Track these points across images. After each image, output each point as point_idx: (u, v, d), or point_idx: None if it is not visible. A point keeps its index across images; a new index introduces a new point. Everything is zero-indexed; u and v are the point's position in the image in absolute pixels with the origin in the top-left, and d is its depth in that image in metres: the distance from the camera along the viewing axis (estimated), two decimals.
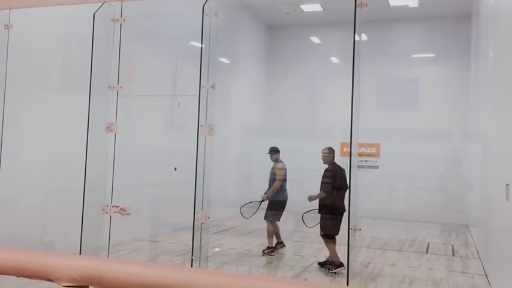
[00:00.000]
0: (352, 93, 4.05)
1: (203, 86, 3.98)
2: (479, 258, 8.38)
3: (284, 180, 8.47)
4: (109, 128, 4.15)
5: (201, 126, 4.04)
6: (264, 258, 7.91)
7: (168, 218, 9.00)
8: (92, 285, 2.09)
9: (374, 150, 13.97)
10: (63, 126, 6.49)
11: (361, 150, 13.97)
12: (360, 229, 4.06)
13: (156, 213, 8.85)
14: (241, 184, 13.75)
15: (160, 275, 2.03)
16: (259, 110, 15.25)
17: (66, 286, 2.07)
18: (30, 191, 6.42)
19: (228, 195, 12.01)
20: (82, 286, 2.08)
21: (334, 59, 15.29)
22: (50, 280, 2.11)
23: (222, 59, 13.24)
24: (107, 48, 4.23)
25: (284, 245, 8.41)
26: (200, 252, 4.18)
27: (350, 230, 4.01)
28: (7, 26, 4.99)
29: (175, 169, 9.06)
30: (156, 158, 8.48)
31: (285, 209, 8.58)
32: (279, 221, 8.28)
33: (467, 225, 12.15)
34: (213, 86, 3.98)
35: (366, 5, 3.90)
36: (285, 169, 8.53)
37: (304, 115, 14.76)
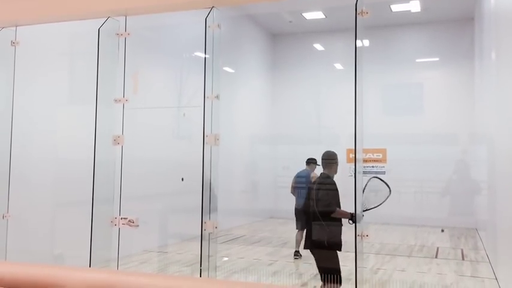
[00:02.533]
0: (355, 99, 4.07)
1: (207, 97, 4.03)
2: (489, 262, 8.32)
3: (296, 187, 8.47)
4: (116, 141, 4.20)
5: (207, 136, 4.07)
6: (272, 267, 7.90)
7: (176, 229, 9.02)
8: None
9: (380, 156, 13.94)
10: (71, 140, 6.55)
11: (367, 156, 13.94)
12: (367, 235, 4.06)
13: (165, 224, 8.87)
14: (249, 193, 13.77)
15: (170, 286, 2.06)
16: (264, 118, 15.28)
17: None
18: (39, 204, 6.47)
19: (236, 204, 12.03)
20: None
21: (338, 66, 15.32)
22: None
23: (226, 68, 13.32)
24: (112, 62, 4.29)
25: (298, 256, 8.37)
26: (209, 262, 4.20)
27: (357, 237, 4.02)
28: (14, 43, 5.08)
29: (182, 179, 9.09)
30: (163, 168, 8.52)
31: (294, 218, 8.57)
32: (297, 229, 8.29)
33: (476, 229, 12.08)
34: (217, 97, 4.02)
35: (367, 12, 3.93)
36: (295, 177, 8.55)
37: (309, 122, 14.77)
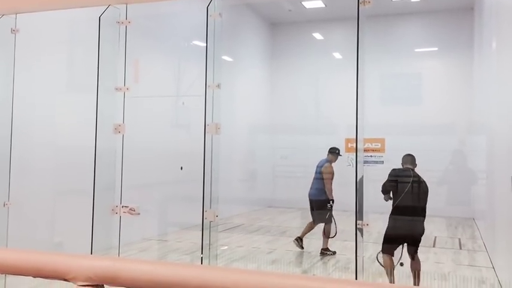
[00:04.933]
0: (357, 88, 4.07)
1: (209, 86, 4.02)
2: (487, 251, 8.39)
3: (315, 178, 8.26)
4: (117, 129, 4.19)
5: (208, 125, 4.07)
6: (272, 255, 7.94)
7: (176, 217, 9.05)
8: (106, 284, 2.14)
9: (379, 146, 13.93)
10: (72, 128, 6.55)
11: (366, 146, 13.94)
12: (367, 224, 4.09)
13: (164, 212, 8.90)
14: (247, 181, 13.81)
15: (174, 273, 2.07)
16: (263, 107, 15.26)
17: (82, 285, 2.11)
18: (39, 192, 6.48)
19: (235, 192, 12.06)
20: (97, 285, 2.12)
21: (337, 55, 15.29)
22: (65, 280, 2.15)
23: (225, 57, 13.27)
24: (112, 50, 4.27)
25: (299, 245, 8.20)
26: (209, 250, 4.23)
27: (357, 227, 4.04)
28: (14, 31, 5.05)
29: (182, 168, 9.10)
30: (163, 157, 8.53)
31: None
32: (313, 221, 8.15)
33: (473, 219, 12.14)
34: (218, 86, 4.01)
35: (369, 1, 3.92)
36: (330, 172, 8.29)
37: (308, 112, 14.76)
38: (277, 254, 8.07)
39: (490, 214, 8.05)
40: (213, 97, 4.04)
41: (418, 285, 5.79)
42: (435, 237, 10.23)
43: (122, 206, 4.18)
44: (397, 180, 6.28)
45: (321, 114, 14.78)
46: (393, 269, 5.98)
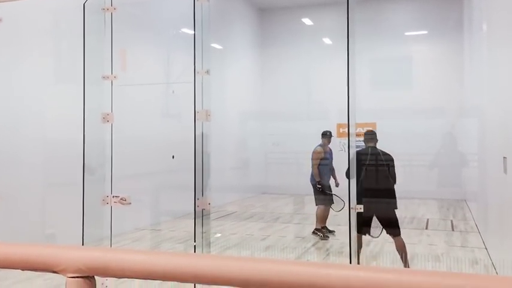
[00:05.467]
0: (348, 74, 4.03)
1: (198, 72, 3.96)
2: (479, 232, 8.45)
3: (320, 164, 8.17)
4: (105, 119, 4.13)
5: (198, 112, 4.02)
6: (265, 242, 7.95)
7: (169, 206, 9.02)
8: (97, 275, 2.10)
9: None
10: (60, 119, 6.46)
11: (357, 130, 13.96)
12: (360, 208, 4.08)
13: (157, 202, 8.86)
14: (240, 169, 13.80)
15: (166, 262, 2.03)
16: (254, 94, 15.20)
17: (72, 277, 2.06)
18: (30, 184, 6.41)
19: (228, 180, 12.04)
20: (88, 276, 2.08)
21: (327, 40, 15.21)
22: (55, 272, 2.11)
23: (214, 45, 13.15)
24: (98, 38, 4.19)
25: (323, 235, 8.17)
26: (202, 238, 4.20)
27: (351, 210, 4.04)
28: None
29: (173, 157, 9.04)
30: (154, 146, 8.46)
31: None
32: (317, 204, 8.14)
33: (465, 200, 12.23)
34: (207, 72, 3.95)
35: None
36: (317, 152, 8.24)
37: (299, 98, 14.72)
38: (270, 241, 8.07)
39: (482, 195, 8.09)
40: (202, 83, 3.98)
41: (406, 267, 5.77)
42: (427, 219, 10.30)
43: (113, 196, 4.13)
44: (360, 162, 6.15)
45: (312, 100, 14.75)
46: (359, 249, 5.88)
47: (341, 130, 11.52)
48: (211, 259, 2.25)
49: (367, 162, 6.13)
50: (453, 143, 13.03)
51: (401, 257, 5.92)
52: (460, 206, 11.88)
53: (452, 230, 9.26)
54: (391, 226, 6.07)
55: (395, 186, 6.27)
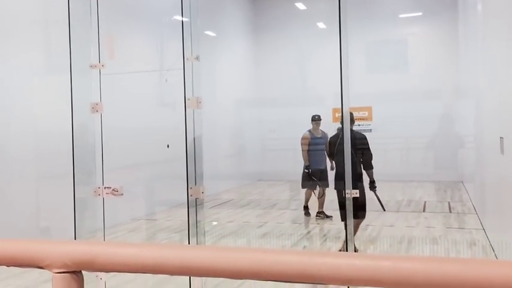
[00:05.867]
0: (341, 57, 3.95)
1: (187, 59, 3.87)
2: (476, 213, 8.44)
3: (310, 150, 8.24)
4: (94, 108, 4.04)
5: (188, 99, 3.94)
6: (261, 230, 7.92)
7: (164, 196, 8.96)
8: (84, 270, 2.02)
9: (366, 114, 13.92)
10: (50, 110, 6.35)
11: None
12: (356, 193, 4.03)
13: (152, 192, 8.80)
14: (237, 156, 13.74)
15: (157, 254, 1.96)
16: (249, 81, 15.09)
17: (58, 273, 1.99)
18: (21, 178, 6.34)
19: (224, 168, 11.99)
20: (75, 271, 2.00)
21: (321, 25, 15.06)
22: (40, 267, 2.03)
23: (208, 32, 13.01)
24: (85, 25, 4.08)
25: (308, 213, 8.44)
26: (197, 227, 4.15)
27: (346, 195, 3.98)
28: None
29: (168, 146, 8.97)
30: (147, 135, 8.37)
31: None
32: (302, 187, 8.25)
33: (462, 182, 12.23)
34: (197, 58, 3.86)
35: None
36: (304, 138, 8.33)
37: (294, 83, 14.63)
38: (267, 228, 8.04)
39: (479, 176, 8.06)
40: (192, 70, 3.90)
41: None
42: (425, 202, 10.28)
43: (105, 187, 4.06)
44: (334, 144, 6.08)
45: (308, 86, 14.66)
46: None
47: (336, 115, 11.44)
48: (203, 250, 2.19)
49: (337, 146, 6.03)
50: (450, 125, 13.00)
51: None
52: (458, 187, 11.88)
53: (450, 212, 9.25)
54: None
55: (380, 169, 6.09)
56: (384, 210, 5.64)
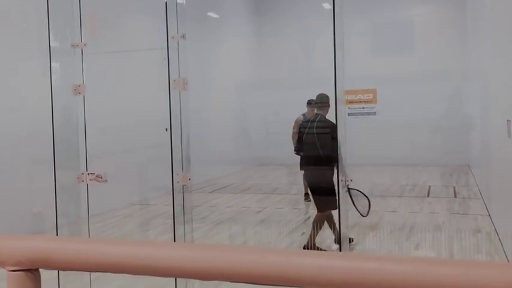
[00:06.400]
0: (334, 38, 3.72)
1: (172, 37, 3.65)
2: (482, 199, 8.22)
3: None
4: (76, 90, 3.84)
5: (174, 81, 3.74)
6: (259, 215, 7.76)
7: (160, 181, 8.77)
8: (41, 267, 1.83)
9: (371, 96, 13.66)
10: (33, 94, 6.18)
11: (357, 97, 13.68)
12: (351, 180, 3.83)
13: (147, 177, 8.60)
14: (239, 140, 13.54)
15: (119, 252, 1.75)
16: (252, 63, 14.86)
17: (13, 271, 1.80)
18: (11, 163, 6.20)
19: (226, 152, 11.82)
20: (30, 269, 1.81)
21: (326, 5, 14.70)
22: None
23: (211, 14, 12.75)
24: (65, 3, 3.87)
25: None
26: (184, 215, 3.98)
27: (340, 182, 3.79)
28: None
29: (166, 130, 8.76)
30: (144, 119, 8.17)
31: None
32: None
33: (469, 166, 11.98)
34: (183, 36, 3.64)
35: None
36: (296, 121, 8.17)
37: (298, 66, 14.38)
38: (266, 214, 7.87)
39: (485, 160, 7.84)
40: (178, 50, 3.68)
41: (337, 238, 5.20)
42: (429, 186, 10.07)
43: (88, 174, 3.89)
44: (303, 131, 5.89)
45: (311, 68, 14.38)
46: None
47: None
48: (170, 248, 2.00)
49: (306, 131, 5.82)
50: (458, 107, 12.71)
51: (312, 233, 5.47)
52: (464, 171, 11.64)
53: (455, 196, 9.04)
54: (317, 197, 5.67)
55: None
56: (364, 216, 5.11)
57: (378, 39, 13.95)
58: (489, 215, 7.04)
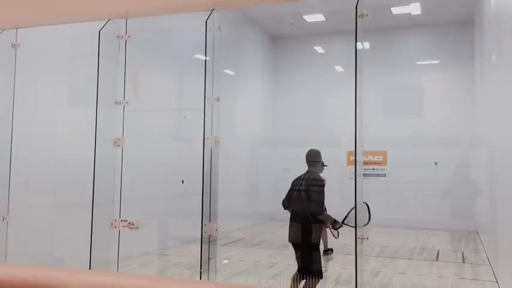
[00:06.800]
0: (356, 101, 4.07)
1: (208, 99, 4.02)
2: (490, 265, 8.31)
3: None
4: (116, 143, 4.19)
5: (207, 138, 4.07)
6: (273, 269, 7.89)
7: (177, 231, 9.00)
8: None
9: (381, 158, 13.94)
10: (71, 142, 6.55)
11: (368, 159, 13.96)
12: (367, 238, 4.05)
13: (165, 226, 8.85)
14: (249, 195, 13.76)
15: None
16: (265, 120, 15.27)
17: None
18: (39, 206, 6.47)
19: (237, 206, 12.01)
20: None
21: (339, 68, 15.32)
22: None
23: (227, 71, 13.31)
24: (112, 64, 4.28)
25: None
26: (209, 264, 4.20)
27: (358, 240, 4.01)
28: (14, 45, 5.08)
29: (183, 182, 9.08)
30: (163, 171, 8.51)
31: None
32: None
33: (477, 232, 12.06)
34: (217, 99, 4.02)
35: (367, 15, 3.94)
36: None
37: (310, 125, 14.76)
38: (278, 268, 8.00)
39: (493, 227, 7.98)
40: (212, 110, 4.04)
41: None
42: (438, 250, 10.15)
43: (121, 220, 4.16)
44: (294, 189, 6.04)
45: (323, 127, 14.77)
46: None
47: (351, 158, 11.49)
48: (214, 286, 2.26)
49: (297, 188, 5.95)
50: (466, 173, 12.92)
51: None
52: (472, 237, 11.71)
53: (463, 262, 9.11)
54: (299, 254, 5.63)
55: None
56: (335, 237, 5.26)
57: (389, 102, 14.37)
58: (497, 281, 7.13)
